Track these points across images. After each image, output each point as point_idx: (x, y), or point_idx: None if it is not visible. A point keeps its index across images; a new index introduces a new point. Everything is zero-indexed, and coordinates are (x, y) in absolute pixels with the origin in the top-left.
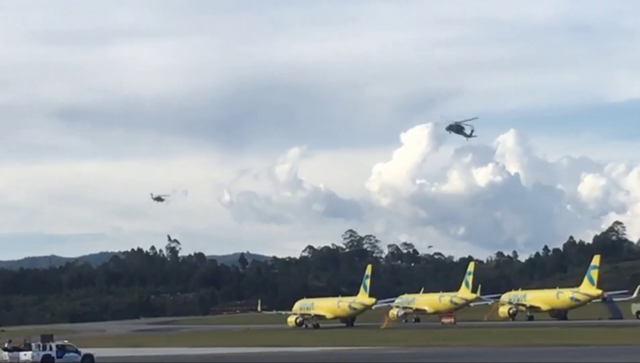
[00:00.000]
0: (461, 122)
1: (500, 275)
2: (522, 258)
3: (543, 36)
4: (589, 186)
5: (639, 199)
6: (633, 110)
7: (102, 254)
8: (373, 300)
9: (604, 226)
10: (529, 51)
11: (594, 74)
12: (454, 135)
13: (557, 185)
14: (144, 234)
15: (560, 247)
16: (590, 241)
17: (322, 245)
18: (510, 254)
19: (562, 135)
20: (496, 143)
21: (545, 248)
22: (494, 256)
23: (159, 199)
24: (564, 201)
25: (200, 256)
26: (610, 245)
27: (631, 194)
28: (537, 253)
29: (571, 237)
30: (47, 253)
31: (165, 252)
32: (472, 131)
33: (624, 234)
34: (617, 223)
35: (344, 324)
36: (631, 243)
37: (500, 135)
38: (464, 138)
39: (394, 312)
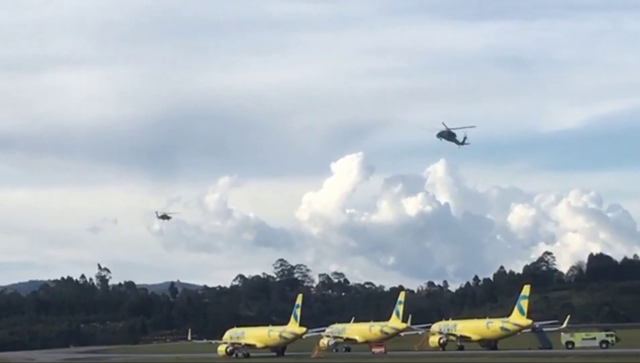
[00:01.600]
0: (453, 128)
1: (431, 304)
2: (453, 287)
3: (474, 67)
4: (518, 216)
5: (568, 229)
6: (563, 141)
7: (31, 282)
8: (304, 329)
9: (534, 257)
10: (459, 81)
11: (525, 105)
12: (445, 142)
13: (487, 215)
14: (74, 262)
15: (491, 277)
16: (521, 271)
17: (253, 274)
18: (441, 284)
19: (492, 165)
20: (426, 172)
21: (476, 278)
22: (424, 286)
23: (164, 217)
24: (494, 231)
25: (130, 284)
26: (541, 275)
27: (560, 224)
28: (468, 283)
29: (501, 267)
30: None
31: (95, 281)
32: (465, 138)
33: (554, 264)
34: (547, 253)
35: (274, 353)
36: (561, 273)
37: (431, 165)
38: (456, 146)
39: (324, 341)
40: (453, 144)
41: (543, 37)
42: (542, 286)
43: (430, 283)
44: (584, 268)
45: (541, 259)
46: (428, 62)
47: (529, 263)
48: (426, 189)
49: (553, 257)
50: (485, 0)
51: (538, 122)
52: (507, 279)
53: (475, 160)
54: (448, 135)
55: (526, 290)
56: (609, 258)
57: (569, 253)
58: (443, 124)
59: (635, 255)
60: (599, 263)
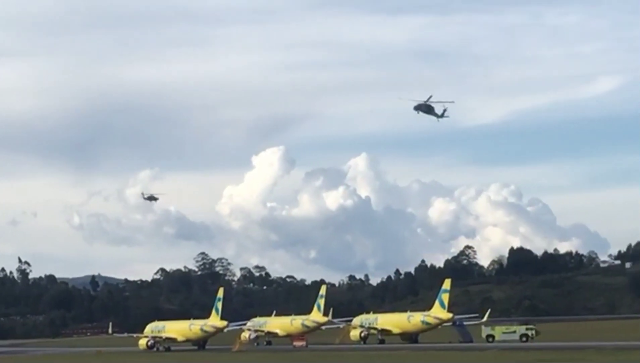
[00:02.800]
0: (430, 101)
1: (352, 298)
2: (374, 281)
3: (395, 60)
4: (439, 210)
5: (488, 223)
6: (483, 136)
7: None
8: (225, 322)
9: (454, 250)
10: (381, 74)
11: (445, 99)
12: (423, 115)
13: (408, 209)
14: None
15: (412, 271)
16: (442, 265)
17: (174, 268)
18: (362, 277)
19: (413, 159)
20: (347, 166)
21: (397, 271)
22: (346, 280)
23: (151, 198)
24: (415, 225)
25: (50, 278)
26: (461, 268)
27: (480, 218)
28: (389, 277)
29: (422, 261)
30: None
31: (15, 274)
32: (445, 110)
33: (475, 258)
34: (468, 247)
35: (195, 347)
36: (481, 267)
37: (352, 158)
38: (435, 119)
39: (245, 335)
40: (432, 117)
41: (463, 32)
42: (462, 280)
43: (352, 277)
44: (505, 262)
45: (462, 253)
46: (349, 56)
47: (449, 257)
48: (347, 183)
49: (474, 251)
50: None
51: (458, 117)
52: (428, 273)
53: (397, 154)
54: (426, 108)
55: (447, 283)
56: (529, 252)
57: (490, 247)
58: (425, 102)
59: (555, 249)
60: (519, 257)
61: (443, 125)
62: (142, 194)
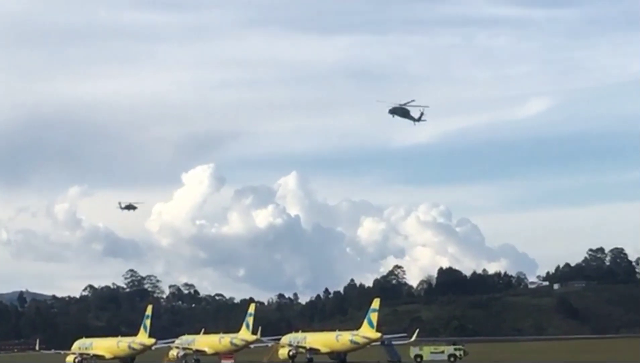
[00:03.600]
0: (407, 104)
1: (281, 316)
2: (303, 300)
3: (327, 80)
4: (368, 229)
5: (417, 243)
6: (414, 155)
7: None
8: (153, 340)
9: (384, 270)
10: (311, 94)
11: (377, 119)
12: (398, 119)
13: (338, 228)
14: None
15: (341, 290)
16: (371, 285)
17: (103, 285)
18: (291, 296)
19: (343, 178)
20: (277, 184)
21: (326, 290)
22: (275, 298)
23: (130, 207)
24: (344, 244)
25: None
26: (391, 288)
27: (410, 238)
28: (318, 296)
29: (352, 280)
30: None
31: None
32: (422, 114)
33: (404, 278)
34: (397, 266)
35: None
36: (411, 286)
37: (282, 177)
38: (411, 122)
39: (173, 353)
40: (407, 121)
41: (396, 52)
42: (391, 299)
43: (281, 295)
44: (434, 282)
45: (391, 272)
46: (281, 75)
47: (379, 277)
48: (277, 202)
49: (403, 271)
50: (339, 14)
51: (390, 136)
52: (357, 292)
53: (327, 173)
54: (402, 112)
55: (376, 303)
56: (458, 272)
57: (419, 267)
58: (401, 105)
59: (484, 270)
60: (448, 277)
61: (375, 145)
62: (120, 203)
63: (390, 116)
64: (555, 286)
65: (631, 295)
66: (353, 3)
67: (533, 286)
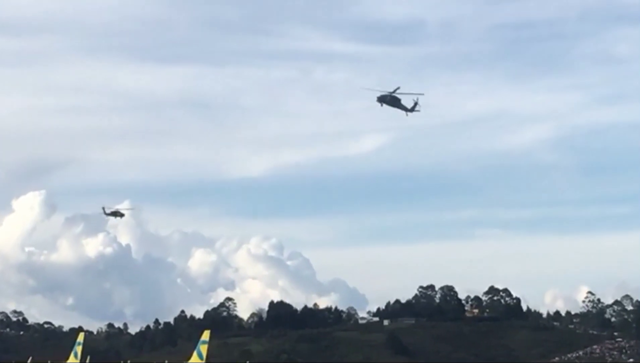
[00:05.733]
0: (395, 91)
1: (110, 346)
2: (133, 330)
3: (163, 110)
4: (199, 261)
5: (248, 276)
6: (247, 188)
7: None
8: None
9: (214, 302)
10: (147, 123)
11: (211, 151)
12: (387, 109)
13: (169, 258)
14: None
15: (171, 321)
16: (201, 316)
17: None
18: (121, 326)
19: (176, 209)
20: None
21: (156, 321)
22: (104, 327)
23: (116, 214)
24: (175, 275)
25: None
26: (221, 320)
27: (240, 271)
28: (148, 326)
29: (182, 311)
30: None
31: None
32: (416, 104)
33: (235, 310)
34: (229, 299)
35: None
36: (241, 319)
37: (115, 206)
38: (403, 113)
39: None
40: (399, 111)
41: (232, 84)
42: (222, 331)
43: (110, 325)
44: (264, 315)
45: (222, 304)
46: (117, 103)
47: (209, 308)
48: (108, 230)
49: (234, 303)
50: (176, 44)
51: (224, 168)
52: (187, 323)
53: (160, 203)
54: (392, 100)
55: (206, 335)
56: (289, 305)
57: (249, 299)
58: (391, 93)
59: (315, 304)
60: (279, 311)
61: (209, 176)
62: (104, 209)
63: (379, 104)
64: (385, 322)
65: (460, 332)
66: (190, 34)
67: (363, 321)
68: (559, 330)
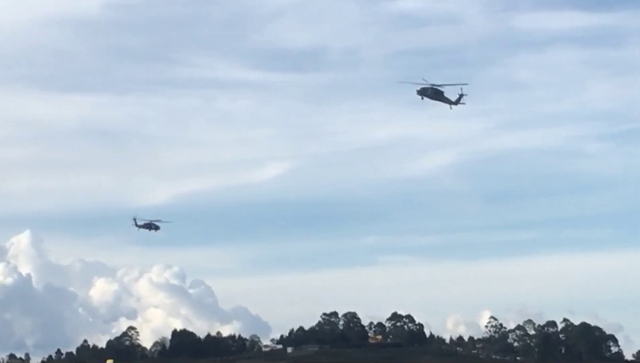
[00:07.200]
0: (441, 85)
1: None
2: (35, 360)
3: (64, 139)
4: (101, 290)
5: (150, 305)
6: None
7: None
8: None
9: (116, 331)
10: (50, 152)
11: (114, 179)
12: (428, 102)
13: (70, 288)
14: None
15: (74, 351)
16: (104, 346)
17: None
18: (23, 356)
19: (78, 238)
20: (10, 243)
21: (58, 351)
22: (6, 358)
23: (150, 226)
24: (77, 305)
25: None
26: (124, 349)
27: (142, 300)
28: (50, 356)
29: (85, 341)
30: None
31: None
32: (461, 96)
33: (137, 339)
34: (131, 328)
35: None
36: (144, 348)
37: (14, 235)
38: (447, 106)
39: None
40: (441, 104)
41: (135, 113)
42: (125, 361)
43: (12, 356)
44: (167, 344)
45: (125, 334)
46: (20, 133)
47: (112, 338)
48: (8, 260)
49: (137, 332)
50: (79, 73)
51: (126, 197)
52: (90, 353)
53: (62, 233)
54: (433, 93)
55: None
56: (192, 334)
57: (152, 328)
58: (424, 80)
59: (218, 332)
60: (183, 339)
61: (112, 205)
62: (135, 220)
63: (419, 98)
64: (289, 349)
65: (364, 359)
66: (94, 63)
67: (267, 349)
68: (462, 356)
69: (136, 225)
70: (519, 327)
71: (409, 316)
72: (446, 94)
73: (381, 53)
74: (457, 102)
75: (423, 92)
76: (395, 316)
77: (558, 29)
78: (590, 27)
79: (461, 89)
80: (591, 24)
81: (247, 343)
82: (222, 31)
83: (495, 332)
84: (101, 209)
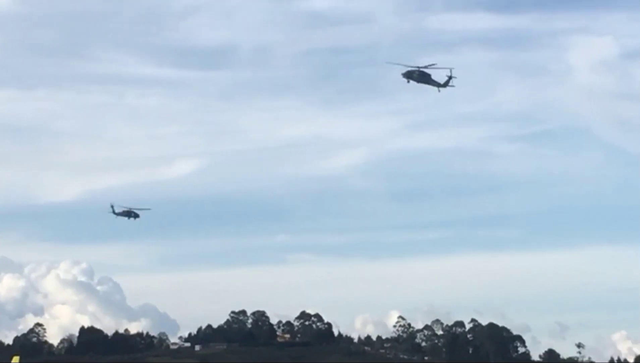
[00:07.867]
0: (428, 66)
1: None
2: None
3: None
4: (7, 286)
5: (57, 301)
6: (58, 213)
7: None
8: None
9: (23, 328)
10: None
11: (22, 175)
12: (414, 85)
13: None
14: None
15: None
16: (11, 342)
17: None
18: None
19: None
20: None
21: None
22: None
23: (129, 214)
24: None
25: None
26: (31, 346)
27: (49, 296)
28: None
29: None
30: None
31: None
32: (450, 78)
33: (45, 336)
34: (38, 324)
35: None
36: (51, 345)
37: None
38: (434, 89)
39: None
40: (429, 87)
41: (44, 107)
42: (32, 357)
43: None
44: (75, 341)
45: (32, 330)
46: None
47: (19, 334)
48: None
49: (44, 329)
50: None
51: (35, 193)
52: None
53: None
54: (420, 76)
55: (15, 360)
56: (99, 331)
57: (59, 325)
58: (418, 68)
59: (126, 330)
60: (90, 337)
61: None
62: (112, 208)
63: (405, 80)
64: (197, 347)
65: (272, 357)
66: (2, 56)
67: (175, 347)
68: (370, 355)
69: (114, 213)
70: (427, 327)
71: (317, 316)
72: (434, 77)
73: (292, 51)
74: (445, 84)
75: (409, 75)
76: (303, 315)
77: (469, 30)
78: (500, 29)
79: (450, 71)
80: (501, 25)
81: (155, 341)
82: (134, 27)
83: (403, 332)
84: (9, 204)
